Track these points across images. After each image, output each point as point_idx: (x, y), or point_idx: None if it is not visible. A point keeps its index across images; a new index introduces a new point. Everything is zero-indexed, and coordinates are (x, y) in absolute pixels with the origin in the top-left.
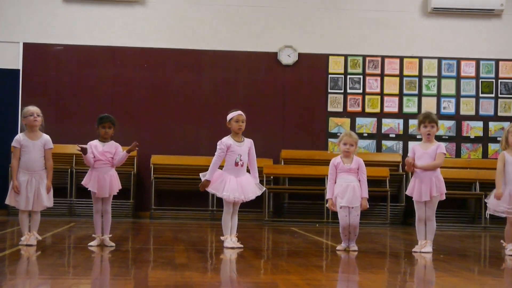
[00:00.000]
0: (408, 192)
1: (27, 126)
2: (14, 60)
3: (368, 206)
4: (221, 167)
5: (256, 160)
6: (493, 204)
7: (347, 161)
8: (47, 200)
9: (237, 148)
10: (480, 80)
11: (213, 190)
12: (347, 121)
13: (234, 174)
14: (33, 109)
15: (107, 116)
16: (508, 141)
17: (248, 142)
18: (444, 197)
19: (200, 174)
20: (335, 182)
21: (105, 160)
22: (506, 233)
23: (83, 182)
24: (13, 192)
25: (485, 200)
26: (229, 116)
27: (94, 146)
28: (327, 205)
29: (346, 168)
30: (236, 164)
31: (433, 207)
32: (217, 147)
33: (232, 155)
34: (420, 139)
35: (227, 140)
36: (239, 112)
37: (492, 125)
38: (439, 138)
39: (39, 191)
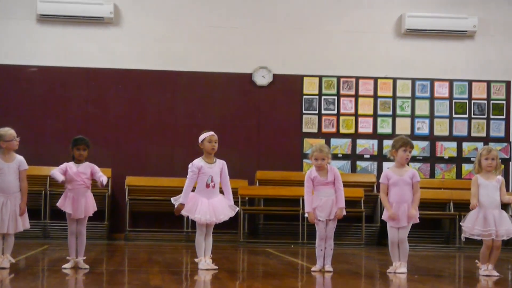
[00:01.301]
0: (384, 217)
1: (6, 149)
2: None
3: (342, 215)
4: (193, 189)
5: (229, 182)
6: (468, 228)
7: (323, 173)
8: (23, 224)
9: (208, 169)
10: (454, 101)
11: (185, 212)
12: (321, 142)
13: (206, 196)
14: (13, 132)
15: (82, 138)
16: (481, 165)
17: (220, 164)
18: (418, 220)
19: (172, 199)
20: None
21: (80, 181)
22: (481, 254)
23: (58, 204)
24: None
25: (460, 223)
26: (201, 137)
27: (70, 167)
28: (306, 216)
29: (323, 182)
30: (208, 185)
31: (407, 230)
32: (189, 170)
33: (203, 177)
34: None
35: (198, 162)
36: (211, 132)
37: (466, 145)
38: (413, 159)
39: (15, 213)
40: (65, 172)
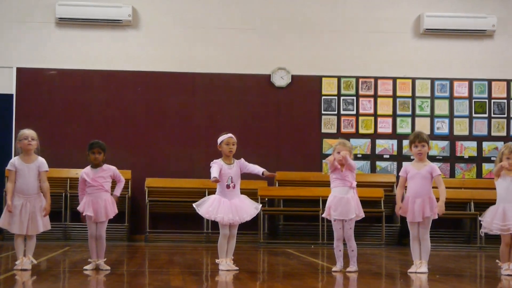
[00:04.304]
0: (400, 212)
1: (22, 149)
2: (7, 85)
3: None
4: (213, 192)
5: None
6: (487, 222)
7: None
8: (43, 225)
9: (228, 170)
10: (473, 100)
11: (207, 214)
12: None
13: (227, 197)
14: (28, 132)
15: (96, 142)
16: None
17: (238, 164)
18: (437, 216)
19: (193, 204)
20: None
21: (97, 185)
22: (501, 253)
23: (78, 208)
24: (7, 214)
25: (480, 218)
26: (220, 139)
27: (86, 174)
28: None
29: (341, 175)
30: (228, 186)
31: (427, 226)
32: (211, 164)
33: (223, 177)
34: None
35: (219, 161)
36: (230, 134)
37: (486, 145)
38: (433, 159)
39: (34, 215)
40: (83, 181)
